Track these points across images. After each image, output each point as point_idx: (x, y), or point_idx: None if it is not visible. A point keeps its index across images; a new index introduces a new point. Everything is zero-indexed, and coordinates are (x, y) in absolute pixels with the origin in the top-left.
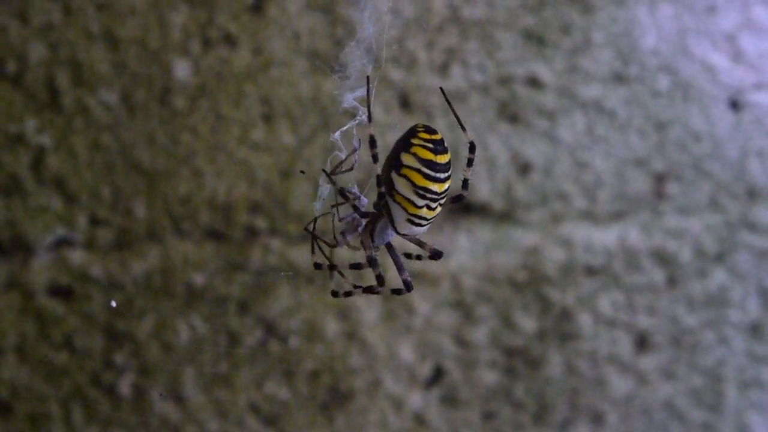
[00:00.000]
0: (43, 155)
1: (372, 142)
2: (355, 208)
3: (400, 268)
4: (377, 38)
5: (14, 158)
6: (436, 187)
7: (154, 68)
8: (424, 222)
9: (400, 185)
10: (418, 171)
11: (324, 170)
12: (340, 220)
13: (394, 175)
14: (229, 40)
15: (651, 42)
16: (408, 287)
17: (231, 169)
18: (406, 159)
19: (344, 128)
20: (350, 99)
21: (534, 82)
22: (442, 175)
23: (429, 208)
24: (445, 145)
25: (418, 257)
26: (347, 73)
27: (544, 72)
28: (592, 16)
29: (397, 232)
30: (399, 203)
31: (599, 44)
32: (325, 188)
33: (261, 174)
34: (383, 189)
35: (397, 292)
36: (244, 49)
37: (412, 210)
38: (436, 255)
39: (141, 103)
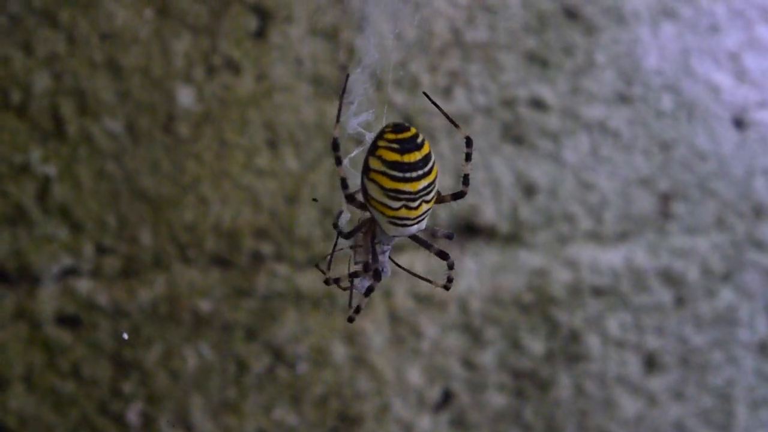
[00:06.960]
0: (48, 185)
1: (335, 146)
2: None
3: (428, 246)
4: (382, 65)
5: (19, 188)
6: (408, 187)
7: (158, 96)
8: (408, 222)
9: (372, 190)
10: (384, 174)
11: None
12: (356, 263)
13: (365, 180)
14: (232, 67)
15: (654, 62)
16: (444, 257)
17: (236, 195)
18: (373, 163)
19: (351, 155)
20: (354, 124)
21: (537, 104)
22: (413, 174)
23: (408, 208)
24: (418, 141)
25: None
26: (351, 99)
27: (547, 93)
28: (594, 36)
29: (388, 234)
30: (375, 207)
31: (602, 65)
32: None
33: (266, 200)
34: (360, 196)
35: (449, 266)
36: (247, 75)
37: (390, 213)
38: (442, 255)
39: (145, 131)
